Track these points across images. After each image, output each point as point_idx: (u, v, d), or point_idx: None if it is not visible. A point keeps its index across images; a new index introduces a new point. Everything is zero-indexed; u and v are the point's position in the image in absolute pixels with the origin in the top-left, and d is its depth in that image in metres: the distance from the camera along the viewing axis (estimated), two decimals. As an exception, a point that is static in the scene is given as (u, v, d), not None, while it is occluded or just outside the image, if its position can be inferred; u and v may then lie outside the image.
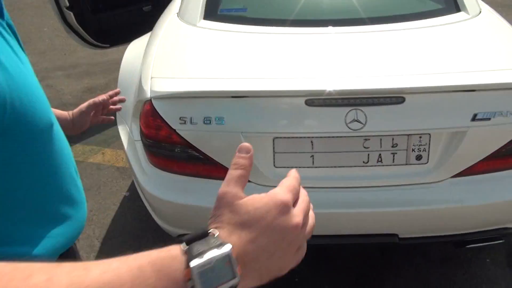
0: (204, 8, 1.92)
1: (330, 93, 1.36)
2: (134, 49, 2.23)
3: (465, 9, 1.85)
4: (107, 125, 3.19)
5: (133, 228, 2.23)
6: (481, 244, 1.66)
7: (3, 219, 0.71)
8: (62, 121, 1.10)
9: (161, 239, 2.14)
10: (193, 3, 1.97)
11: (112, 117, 1.29)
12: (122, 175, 2.60)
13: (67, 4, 2.98)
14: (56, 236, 0.80)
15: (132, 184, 2.53)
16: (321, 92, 1.38)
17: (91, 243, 2.16)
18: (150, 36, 2.07)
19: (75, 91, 3.59)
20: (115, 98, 1.24)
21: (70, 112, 1.18)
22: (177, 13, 2.05)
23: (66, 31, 3.23)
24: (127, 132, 1.85)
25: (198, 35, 1.81)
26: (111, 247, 2.12)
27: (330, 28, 1.72)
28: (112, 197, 2.44)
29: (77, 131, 1.20)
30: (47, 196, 0.78)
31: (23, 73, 0.71)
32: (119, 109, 1.27)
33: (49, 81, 3.79)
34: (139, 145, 1.72)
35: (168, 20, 2.03)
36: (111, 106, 1.24)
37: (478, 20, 1.81)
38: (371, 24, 1.72)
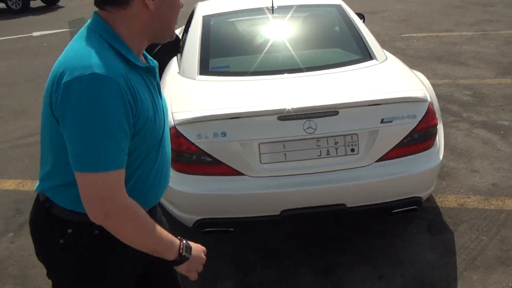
0: (199, 68, 2.75)
1: (293, 110, 2.18)
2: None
3: (375, 58, 2.76)
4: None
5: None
6: (402, 209, 2.43)
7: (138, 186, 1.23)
8: None
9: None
10: (190, 65, 2.79)
11: None
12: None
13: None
14: (155, 196, 1.34)
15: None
16: (287, 111, 2.19)
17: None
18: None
19: (80, 145, 4.27)
20: None
21: None
22: (178, 72, 2.87)
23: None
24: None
25: (198, 85, 2.62)
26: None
27: (285, 74, 2.58)
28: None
29: None
30: (147, 178, 1.25)
31: (152, 106, 1.21)
32: None
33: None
34: (163, 161, 2.46)
35: (172, 77, 2.84)
36: None
37: (384, 64, 2.72)
38: (313, 71, 2.59)
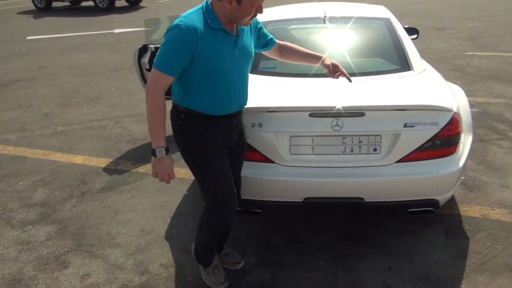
0: (249, 67, 3.07)
1: (320, 109, 2.44)
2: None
3: (412, 69, 2.94)
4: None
5: (192, 210, 3.25)
6: (418, 209, 2.61)
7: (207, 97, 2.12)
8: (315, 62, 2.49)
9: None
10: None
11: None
12: (182, 182, 3.66)
13: (148, 67, 4.23)
14: (213, 108, 2.14)
15: (191, 186, 3.58)
16: (319, 109, 2.45)
17: (164, 218, 3.18)
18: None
19: (143, 131, 4.77)
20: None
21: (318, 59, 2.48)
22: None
23: (143, 86, 4.45)
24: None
25: (245, 82, 2.94)
26: (178, 220, 3.14)
27: (323, 78, 2.82)
28: (177, 194, 3.49)
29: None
30: (217, 92, 2.11)
31: (218, 50, 2.02)
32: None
33: (122, 124, 5.01)
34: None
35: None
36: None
37: (420, 75, 2.89)
38: (351, 77, 2.82)
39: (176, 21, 1.97)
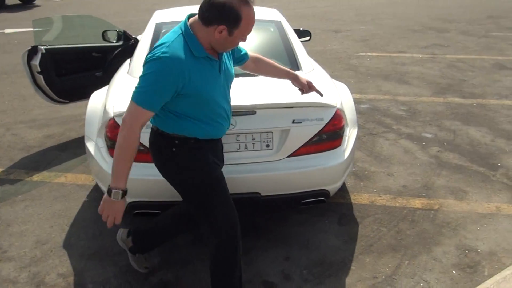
0: (144, 68, 3.06)
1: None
2: (96, 97, 3.30)
3: (301, 68, 3.13)
4: (67, 157, 4.15)
5: (92, 217, 3.16)
6: (310, 200, 2.79)
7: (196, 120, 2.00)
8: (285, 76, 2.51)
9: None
10: (137, 66, 3.10)
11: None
12: (81, 189, 3.54)
13: (39, 69, 4.01)
14: (207, 133, 2.04)
15: (91, 192, 3.48)
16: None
17: (62, 227, 3.06)
18: (109, 86, 3.16)
19: (37, 138, 4.51)
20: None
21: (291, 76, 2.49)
22: (127, 72, 3.18)
23: (35, 90, 4.21)
24: (93, 144, 2.87)
25: (141, 83, 2.93)
26: (77, 228, 3.04)
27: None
28: (76, 201, 3.36)
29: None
30: (209, 118, 2.02)
31: (206, 80, 1.92)
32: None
33: (14, 131, 4.69)
34: (103, 149, 2.75)
35: (122, 76, 3.15)
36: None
37: (308, 75, 3.09)
38: (242, 77, 2.92)
39: (157, 52, 1.79)
